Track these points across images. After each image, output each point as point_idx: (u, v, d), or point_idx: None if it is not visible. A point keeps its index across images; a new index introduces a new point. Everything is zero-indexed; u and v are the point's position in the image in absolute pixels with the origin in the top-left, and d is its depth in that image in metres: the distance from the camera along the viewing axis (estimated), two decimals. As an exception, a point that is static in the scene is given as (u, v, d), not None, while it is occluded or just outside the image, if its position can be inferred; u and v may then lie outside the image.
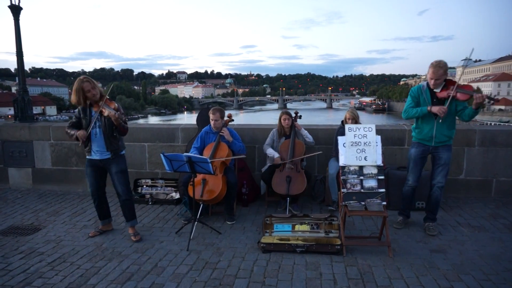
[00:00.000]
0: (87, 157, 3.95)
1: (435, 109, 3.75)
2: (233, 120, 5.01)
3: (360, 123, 4.67)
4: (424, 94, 3.88)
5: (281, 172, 4.76)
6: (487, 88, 79.99)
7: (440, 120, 3.80)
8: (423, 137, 3.97)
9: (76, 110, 3.91)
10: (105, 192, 4.14)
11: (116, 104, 3.80)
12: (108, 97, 3.80)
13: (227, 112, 5.10)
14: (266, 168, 4.99)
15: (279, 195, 4.74)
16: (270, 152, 4.92)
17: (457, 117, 3.95)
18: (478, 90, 3.98)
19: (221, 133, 4.58)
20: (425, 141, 3.97)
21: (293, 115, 5.15)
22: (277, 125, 5.11)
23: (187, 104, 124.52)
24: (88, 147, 3.86)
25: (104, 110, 3.72)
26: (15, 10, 6.25)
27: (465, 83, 3.90)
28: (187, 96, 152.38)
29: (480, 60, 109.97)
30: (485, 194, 5.22)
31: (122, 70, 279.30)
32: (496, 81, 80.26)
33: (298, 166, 4.78)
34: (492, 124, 42.94)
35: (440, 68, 3.71)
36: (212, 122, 4.64)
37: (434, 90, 3.83)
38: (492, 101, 3.96)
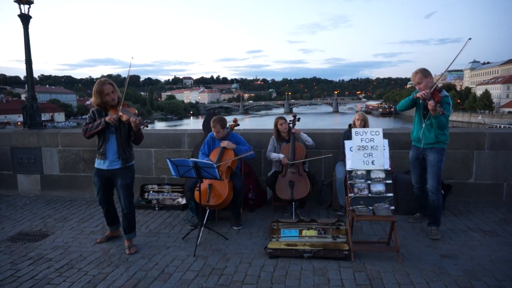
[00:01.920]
0: (96, 166, 3.80)
1: (418, 94, 3.87)
2: (238, 125, 5.01)
3: (368, 126, 4.66)
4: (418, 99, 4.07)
5: (283, 178, 4.74)
6: (496, 90, 79.15)
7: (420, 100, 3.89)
8: (414, 139, 4.21)
9: (90, 111, 3.77)
10: (113, 200, 4.04)
11: (136, 110, 3.71)
12: (126, 102, 3.71)
13: (233, 117, 5.10)
14: (271, 174, 4.97)
15: (285, 200, 4.71)
16: (275, 156, 4.89)
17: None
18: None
19: (223, 145, 4.54)
20: (416, 142, 4.19)
21: (291, 119, 5.11)
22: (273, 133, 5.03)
23: (193, 110, 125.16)
24: (103, 149, 3.69)
25: (123, 115, 3.54)
26: (25, 19, 6.35)
27: (438, 89, 3.91)
28: (193, 102, 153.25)
29: (488, 63, 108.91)
30: (496, 198, 5.13)
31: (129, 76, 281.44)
32: (505, 83, 79.35)
33: (300, 170, 4.74)
34: (502, 126, 42.45)
35: (415, 73, 3.97)
36: (215, 134, 4.64)
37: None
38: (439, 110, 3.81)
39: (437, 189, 3.99)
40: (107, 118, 3.56)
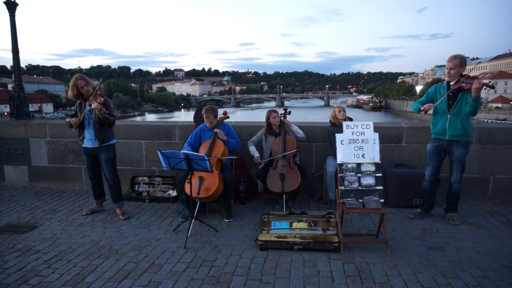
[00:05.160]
0: (82, 145, 4.50)
1: (422, 107, 4.07)
2: (228, 117, 4.99)
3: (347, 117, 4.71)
4: (442, 90, 4.11)
5: (274, 170, 4.75)
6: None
7: (423, 112, 4.09)
8: (437, 131, 4.17)
9: (75, 105, 4.46)
10: (101, 175, 4.66)
11: (102, 99, 4.31)
12: (98, 92, 4.35)
13: (223, 110, 5.09)
14: (262, 167, 4.98)
15: (276, 193, 4.73)
16: (252, 150, 4.96)
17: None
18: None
19: (215, 131, 4.58)
20: (439, 135, 4.16)
21: (282, 112, 5.13)
22: (264, 126, 5.04)
23: (184, 102, 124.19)
24: (82, 136, 4.43)
25: (92, 104, 4.19)
26: (11, 6, 6.18)
27: (474, 75, 3.98)
28: (184, 94, 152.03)
29: (477, 58, 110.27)
30: (482, 192, 5.23)
31: (119, 67, 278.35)
32: (493, 79, 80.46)
33: (291, 163, 4.75)
34: (489, 121, 43.16)
35: (455, 58, 3.95)
36: (207, 124, 4.66)
37: (450, 83, 4.03)
38: (488, 88, 4.04)
39: (460, 179, 4.13)
40: (70, 121, 4.31)
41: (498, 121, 43.29)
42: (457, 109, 3.98)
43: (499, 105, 71.17)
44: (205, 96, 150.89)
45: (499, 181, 5.20)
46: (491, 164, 5.18)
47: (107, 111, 4.27)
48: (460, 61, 3.92)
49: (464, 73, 3.98)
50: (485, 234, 3.92)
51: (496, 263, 3.28)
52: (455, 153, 4.08)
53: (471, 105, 3.89)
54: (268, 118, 5.00)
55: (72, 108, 4.58)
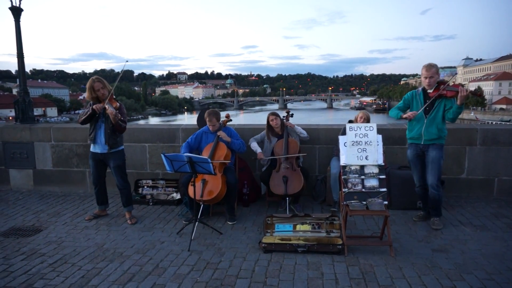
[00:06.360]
0: (91, 150, 4.44)
1: (405, 115, 4.12)
2: (231, 120, 5.01)
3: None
4: (418, 97, 4.15)
5: (277, 173, 4.76)
6: (488, 87, 79.88)
7: (407, 120, 4.13)
8: (413, 136, 4.19)
9: (88, 106, 4.39)
10: (104, 181, 4.62)
11: (118, 104, 4.29)
12: (114, 97, 4.31)
13: (226, 113, 5.12)
14: (265, 169, 4.99)
15: (279, 195, 4.73)
16: (254, 146, 4.98)
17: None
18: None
19: (218, 134, 4.60)
20: (415, 139, 4.18)
21: (285, 114, 5.15)
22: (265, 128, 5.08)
23: (188, 105, 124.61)
24: (92, 135, 4.33)
25: (107, 107, 4.16)
26: (16, 11, 6.24)
27: (454, 83, 4.00)
28: (188, 97, 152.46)
29: (481, 60, 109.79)
30: (487, 193, 5.20)
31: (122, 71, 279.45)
32: (497, 80, 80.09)
33: (293, 165, 4.76)
34: (493, 123, 42.90)
35: (432, 66, 4.03)
36: (210, 128, 4.68)
37: (428, 90, 4.07)
38: (475, 96, 4.10)
39: (437, 184, 4.06)
40: (94, 106, 4.18)
41: (503, 123, 43.03)
42: (434, 115, 4.03)
43: (504, 106, 70.78)
44: (199, 98, 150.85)
45: (504, 183, 5.17)
46: (496, 165, 5.15)
47: (122, 117, 4.24)
48: (436, 69, 4.04)
49: (440, 79, 4.06)
50: (490, 236, 3.89)
51: (502, 265, 3.26)
52: (430, 155, 4.09)
53: (455, 111, 3.94)
54: (267, 120, 5.02)
55: (77, 112, 4.57)
